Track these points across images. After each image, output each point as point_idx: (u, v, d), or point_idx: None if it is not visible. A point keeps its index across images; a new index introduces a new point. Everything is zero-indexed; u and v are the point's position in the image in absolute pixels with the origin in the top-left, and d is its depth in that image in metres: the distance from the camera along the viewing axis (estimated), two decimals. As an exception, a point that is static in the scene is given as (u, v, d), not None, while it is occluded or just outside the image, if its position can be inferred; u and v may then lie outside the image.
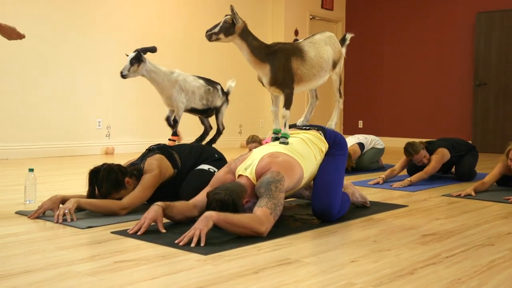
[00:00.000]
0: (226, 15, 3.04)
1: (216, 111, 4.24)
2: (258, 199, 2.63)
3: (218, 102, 4.20)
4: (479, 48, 8.72)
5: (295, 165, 2.83)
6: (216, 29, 2.99)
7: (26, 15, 6.49)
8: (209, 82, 4.20)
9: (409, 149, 4.76)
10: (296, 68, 3.07)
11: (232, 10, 3.00)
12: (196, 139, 4.27)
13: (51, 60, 6.74)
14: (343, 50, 3.44)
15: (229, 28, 2.98)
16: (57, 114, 6.81)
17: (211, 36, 3.00)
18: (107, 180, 3.08)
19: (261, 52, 3.04)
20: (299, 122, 3.44)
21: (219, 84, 4.30)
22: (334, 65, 3.30)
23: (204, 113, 4.24)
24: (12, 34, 3.39)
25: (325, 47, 3.21)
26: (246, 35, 3.02)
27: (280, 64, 3.04)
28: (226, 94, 4.29)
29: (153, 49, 3.95)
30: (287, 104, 3.11)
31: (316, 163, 2.99)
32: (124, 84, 7.41)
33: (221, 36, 2.99)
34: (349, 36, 3.52)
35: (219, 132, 4.31)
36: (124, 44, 7.44)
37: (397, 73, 9.94)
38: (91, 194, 3.11)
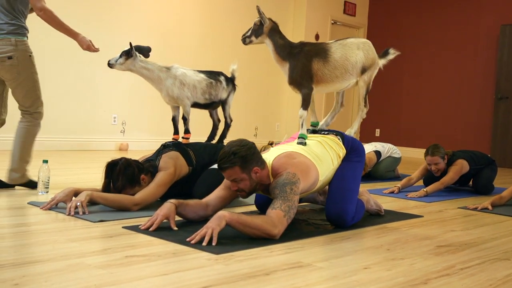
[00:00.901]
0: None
1: (222, 103, 4.15)
2: (272, 200, 2.61)
3: (223, 95, 4.08)
4: (502, 61, 8.60)
5: (311, 168, 2.80)
6: (248, 33, 3.17)
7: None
8: (210, 75, 4.06)
9: (430, 148, 4.70)
10: (317, 69, 3.09)
11: (258, 11, 3.13)
12: (208, 138, 4.21)
13: (69, 54, 6.77)
14: (382, 62, 3.36)
15: (258, 29, 3.15)
16: (73, 108, 6.85)
17: (245, 40, 3.19)
18: (124, 174, 3.08)
19: (284, 50, 3.14)
20: (319, 126, 3.40)
21: (222, 74, 4.15)
22: (363, 71, 3.23)
23: (208, 107, 4.16)
24: (83, 45, 3.83)
25: (355, 51, 3.18)
26: (274, 34, 3.16)
27: (299, 64, 3.11)
28: (232, 81, 4.18)
29: (147, 49, 3.98)
30: (304, 105, 3.18)
31: (333, 167, 2.96)
32: (141, 81, 7.40)
33: (253, 38, 3.17)
34: (393, 51, 3.43)
35: (227, 126, 4.22)
36: (143, 40, 7.42)
37: (417, 83, 9.86)
38: (106, 187, 3.10)
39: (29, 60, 3.70)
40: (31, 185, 3.68)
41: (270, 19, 3.18)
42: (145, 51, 3.99)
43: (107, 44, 7.12)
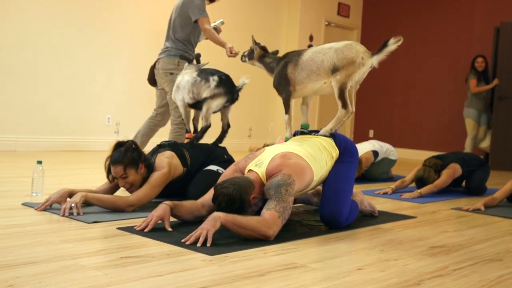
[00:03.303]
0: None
1: (200, 102, 3.87)
2: (267, 201, 2.61)
3: (205, 94, 3.80)
4: (502, 60, 8.43)
5: (307, 169, 2.81)
6: (245, 53, 3.58)
7: (40, 9, 6.52)
8: (203, 73, 3.88)
9: (418, 184, 4.71)
10: (290, 72, 3.25)
11: (253, 40, 3.51)
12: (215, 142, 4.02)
13: (63, 54, 6.76)
14: (376, 58, 3.14)
15: (251, 53, 3.53)
16: (67, 108, 6.83)
17: (242, 58, 3.61)
18: (129, 151, 3.11)
19: (272, 65, 3.41)
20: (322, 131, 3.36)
21: (218, 75, 3.87)
22: (335, 70, 3.10)
23: (195, 106, 3.95)
24: (227, 52, 4.55)
25: (326, 51, 3.12)
26: (263, 58, 3.49)
27: (278, 71, 3.32)
28: (226, 86, 3.85)
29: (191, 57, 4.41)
30: (285, 109, 3.33)
31: (326, 168, 2.97)
32: (135, 81, 7.42)
33: (247, 59, 3.57)
34: (394, 41, 3.16)
35: (202, 130, 3.89)
36: (137, 41, 7.46)
37: (411, 83, 9.89)
38: (109, 166, 3.13)
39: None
40: None
41: (261, 47, 3.49)
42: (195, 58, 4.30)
43: (100, 44, 7.13)
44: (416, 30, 9.75)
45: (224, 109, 3.97)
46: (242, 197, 2.59)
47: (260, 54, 3.50)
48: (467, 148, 8.18)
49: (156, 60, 4.81)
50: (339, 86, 3.10)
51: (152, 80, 4.90)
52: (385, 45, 3.16)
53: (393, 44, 3.17)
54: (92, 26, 7.01)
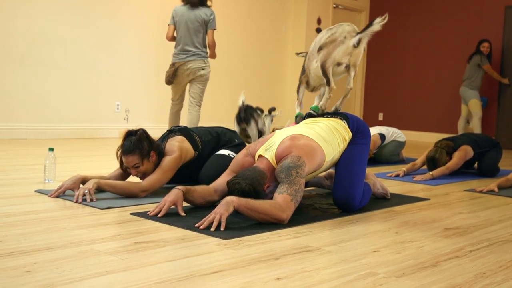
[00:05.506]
0: None
1: None
2: (279, 185, 2.60)
3: None
4: (509, 42, 8.48)
5: (317, 150, 2.79)
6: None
7: (50, -5, 6.51)
8: None
9: (430, 166, 4.67)
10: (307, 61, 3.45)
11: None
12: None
13: (72, 41, 6.75)
14: (361, 36, 3.08)
15: None
16: (76, 96, 6.83)
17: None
18: (143, 140, 3.10)
19: None
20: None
21: None
22: (319, 49, 3.24)
23: None
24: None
25: (322, 34, 3.34)
26: None
27: None
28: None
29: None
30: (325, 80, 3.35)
31: (339, 150, 2.95)
32: (144, 68, 7.41)
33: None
34: (379, 20, 3.05)
35: None
36: (145, 27, 7.43)
37: (420, 66, 9.80)
38: (121, 157, 3.12)
39: (209, 74, 5.73)
40: None
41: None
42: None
43: (109, 30, 7.11)
44: (425, 11, 9.64)
45: None
46: (256, 190, 2.57)
47: None
48: (476, 128, 8.16)
49: (181, 63, 5.57)
50: (320, 64, 3.21)
51: (170, 81, 5.71)
52: (370, 24, 3.15)
53: (377, 24, 3.11)
54: (100, 13, 6.98)
